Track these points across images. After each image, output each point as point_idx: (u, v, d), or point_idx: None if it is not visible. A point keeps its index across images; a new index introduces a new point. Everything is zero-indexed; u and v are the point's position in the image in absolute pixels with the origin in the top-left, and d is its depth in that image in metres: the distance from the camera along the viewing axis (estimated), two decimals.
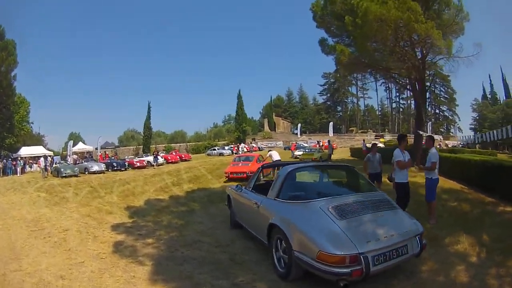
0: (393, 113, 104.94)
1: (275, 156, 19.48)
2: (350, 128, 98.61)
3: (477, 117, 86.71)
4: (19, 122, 58.24)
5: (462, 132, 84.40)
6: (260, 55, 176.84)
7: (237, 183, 9.23)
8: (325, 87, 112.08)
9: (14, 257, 7.07)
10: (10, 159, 38.55)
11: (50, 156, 44.61)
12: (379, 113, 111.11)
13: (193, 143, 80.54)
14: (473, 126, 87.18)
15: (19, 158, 40.01)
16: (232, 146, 60.31)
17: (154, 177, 23.75)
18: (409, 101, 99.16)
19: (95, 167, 30.05)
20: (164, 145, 78.63)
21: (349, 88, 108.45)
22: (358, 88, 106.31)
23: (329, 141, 34.07)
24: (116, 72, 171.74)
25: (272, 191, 6.41)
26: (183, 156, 45.45)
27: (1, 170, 35.01)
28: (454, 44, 20.29)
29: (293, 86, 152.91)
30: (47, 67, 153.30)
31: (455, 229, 7.56)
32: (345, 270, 4.32)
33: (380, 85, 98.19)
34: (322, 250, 4.47)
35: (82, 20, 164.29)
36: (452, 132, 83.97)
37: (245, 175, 19.04)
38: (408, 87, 25.82)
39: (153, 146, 71.25)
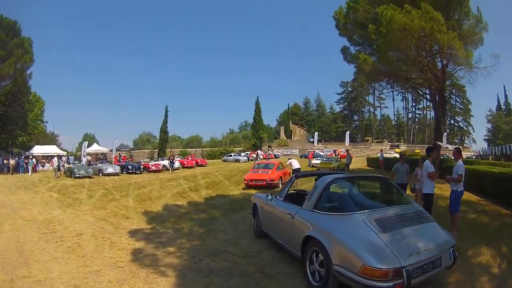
0: (409, 123, 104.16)
1: (295, 164, 19.41)
2: (366, 138, 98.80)
3: (491, 128, 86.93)
4: (33, 120, 58.15)
5: (476, 143, 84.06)
6: (278, 61, 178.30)
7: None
8: (343, 95, 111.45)
9: (23, 262, 6.49)
10: (22, 157, 38.38)
11: (63, 156, 44.89)
12: (395, 123, 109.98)
13: (209, 149, 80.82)
14: (487, 137, 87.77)
15: (31, 157, 39.80)
16: (248, 152, 59.83)
17: (170, 181, 23.16)
18: (425, 112, 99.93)
19: (110, 169, 29.61)
20: (179, 149, 77.74)
21: (367, 97, 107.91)
22: (375, 98, 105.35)
23: (347, 151, 33.79)
24: (134, 72, 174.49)
25: (309, 201, 6.15)
26: (199, 161, 45.09)
27: (13, 168, 35.02)
28: (474, 54, 20.20)
29: (310, 94, 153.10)
30: (63, 65, 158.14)
31: (477, 241, 7.62)
32: (388, 284, 4.24)
33: (397, 94, 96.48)
34: (366, 264, 4.33)
35: (102, 18, 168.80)
36: (466, 143, 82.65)
37: (264, 182, 18.73)
38: (427, 97, 26.08)
39: (169, 150, 70.40)
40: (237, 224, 10.69)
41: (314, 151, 53.73)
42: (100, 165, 31.93)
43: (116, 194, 17.39)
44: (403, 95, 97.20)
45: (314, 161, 36.51)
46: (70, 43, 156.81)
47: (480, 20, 20.72)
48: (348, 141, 75.44)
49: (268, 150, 56.02)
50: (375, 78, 27.76)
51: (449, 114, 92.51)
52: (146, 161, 41.98)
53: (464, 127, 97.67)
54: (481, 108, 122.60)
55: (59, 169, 29.81)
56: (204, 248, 7.87)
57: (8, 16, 39.25)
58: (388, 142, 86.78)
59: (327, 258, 4.93)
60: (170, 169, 33.03)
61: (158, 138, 77.82)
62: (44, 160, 42.52)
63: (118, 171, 30.00)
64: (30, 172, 33.59)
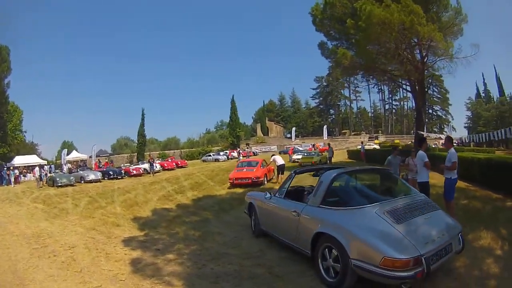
0: (386, 114, 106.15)
1: (279, 160, 19.67)
2: (343, 131, 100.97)
3: (471, 116, 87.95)
4: (12, 131, 57.19)
5: (455, 131, 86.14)
6: (252, 60, 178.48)
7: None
8: (318, 90, 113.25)
9: (18, 282, 6.12)
10: (5, 169, 37.42)
11: (44, 165, 43.77)
12: (372, 115, 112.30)
13: (187, 150, 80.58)
14: (467, 125, 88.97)
15: (11, 168, 38.88)
16: (227, 151, 60.08)
17: (153, 185, 22.88)
18: (402, 103, 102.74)
19: (91, 176, 29.08)
20: (158, 152, 78.15)
21: (342, 91, 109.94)
22: (351, 91, 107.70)
23: (329, 144, 34.01)
24: (108, 76, 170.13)
25: (315, 197, 6.05)
26: (179, 162, 44.74)
27: None
28: (454, 45, 21.06)
29: (285, 90, 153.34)
30: (37, 72, 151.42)
31: (474, 226, 7.81)
32: (409, 273, 4.35)
33: (373, 87, 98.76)
34: (386, 255, 4.40)
35: (73, 22, 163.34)
36: (445, 132, 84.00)
37: (250, 180, 18.63)
38: (408, 88, 26.98)
39: (147, 153, 71.06)
40: (232, 225, 10.60)
41: (294, 147, 54.77)
42: (81, 172, 31.44)
43: (101, 201, 16.91)
44: (379, 87, 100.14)
45: (295, 156, 36.56)
46: (40, 49, 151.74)
47: (460, 12, 21.41)
48: (326, 135, 79.27)
49: (247, 148, 55.90)
50: (353, 72, 28.35)
51: (427, 103, 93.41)
52: (126, 165, 41.48)
53: (443, 116, 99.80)
54: (458, 97, 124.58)
55: (41, 179, 29.21)
56: (205, 252, 7.68)
57: None
58: (366, 134, 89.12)
59: (343, 253, 4.93)
60: (151, 172, 32.59)
61: (136, 142, 77.00)
62: (25, 171, 41.69)
63: (99, 177, 29.53)
64: (12, 183, 32.58)
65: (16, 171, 37.97)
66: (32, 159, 47.15)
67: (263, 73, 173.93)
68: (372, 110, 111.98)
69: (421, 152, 9.03)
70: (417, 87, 23.83)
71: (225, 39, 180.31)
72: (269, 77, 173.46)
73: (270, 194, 7.85)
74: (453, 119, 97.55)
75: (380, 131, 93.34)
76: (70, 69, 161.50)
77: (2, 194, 24.00)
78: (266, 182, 19.48)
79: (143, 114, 72.61)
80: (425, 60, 22.23)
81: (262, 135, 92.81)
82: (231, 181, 19.49)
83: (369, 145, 51.63)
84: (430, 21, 19.57)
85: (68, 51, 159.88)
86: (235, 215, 11.80)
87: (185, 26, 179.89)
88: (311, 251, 5.70)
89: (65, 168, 39.93)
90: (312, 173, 8.95)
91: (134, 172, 33.13)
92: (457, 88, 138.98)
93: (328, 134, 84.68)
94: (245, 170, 20.29)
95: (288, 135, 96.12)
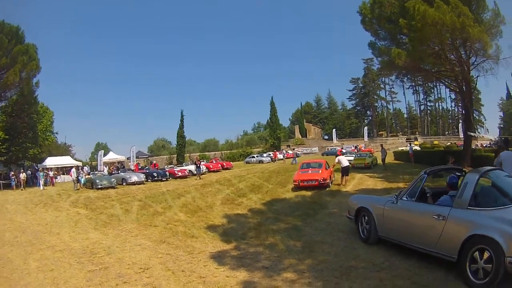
0: (421, 115, 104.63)
1: (344, 161, 19.12)
2: (380, 132, 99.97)
3: (503, 116, 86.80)
4: (42, 132, 57.03)
5: (489, 132, 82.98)
6: (287, 62, 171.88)
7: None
8: (354, 92, 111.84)
9: None
10: (38, 170, 36.52)
11: (83, 166, 43.43)
12: (406, 116, 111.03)
13: (228, 151, 79.65)
14: (501, 125, 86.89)
15: (41, 169, 37.79)
16: (270, 153, 58.33)
17: (206, 187, 21.47)
18: (437, 104, 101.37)
19: (134, 178, 27.93)
20: (198, 153, 76.42)
21: (378, 92, 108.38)
22: (387, 92, 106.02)
23: (381, 145, 33.25)
24: (143, 79, 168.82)
25: (461, 199, 5.80)
26: (224, 164, 43.75)
27: (24, 182, 32.91)
28: (493, 46, 21.91)
29: (320, 92, 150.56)
30: (70, 74, 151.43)
31: None
32: None
33: (408, 88, 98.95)
34: None
35: (108, 23, 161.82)
36: (479, 132, 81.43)
37: (317, 182, 17.54)
38: (454, 89, 28.39)
39: (187, 155, 70.86)
40: (329, 232, 9.34)
41: (342, 148, 53.79)
42: (122, 174, 30.61)
43: (155, 206, 15.40)
44: (414, 88, 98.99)
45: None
46: (76, 50, 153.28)
47: (498, 14, 22.09)
48: (367, 137, 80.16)
49: (288, 150, 53.78)
50: (403, 72, 30.37)
51: (460, 105, 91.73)
52: (170, 167, 40.52)
53: (476, 117, 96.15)
54: (489, 98, 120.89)
55: (78, 181, 27.97)
56: (326, 266, 6.46)
57: (10, 22, 37.00)
58: (403, 135, 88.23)
59: (498, 253, 4.78)
60: (197, 174, 30.81)
61: (175, 143, 76.38)
62: (55, 173, 40.95)
63: (143, 179, 28.36)
64: (41, 186, 31.23)
65: (51, 173, 37.19)
66: (65, 161, 46.71)
67: (297, 75, 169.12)
68: (407, 111, 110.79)
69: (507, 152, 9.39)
70: (464, 88, 24.33)
71: (256, 41, 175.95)
72: (304, 79, 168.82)
73: (396, 197, 7.29)
74: (485, 120, 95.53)
75: (417, 132, 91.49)
76: (104, 71, 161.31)
77: (34, 197, 22.93)
78: (330, 185, 18.59)
79: (182, 115, 71.79)
80: (471, 60, 22.89)
81: (300, 136, 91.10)
82: (296, 183, 18.22)
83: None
84: (476, 23, 20.23)
85: (103, 53, 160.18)
86: (324, 220, 10.73)
87: (225, 30, 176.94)
88: (458, 255, 5.48)
89: (105, 169, 38.84)
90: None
91: (179, 174, 31.96)
92: (487, 88, 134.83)
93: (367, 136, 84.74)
94: (310, 171, 19.06)
95: (326, 137, 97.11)
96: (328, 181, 17.84)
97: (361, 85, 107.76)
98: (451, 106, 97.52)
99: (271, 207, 13.83)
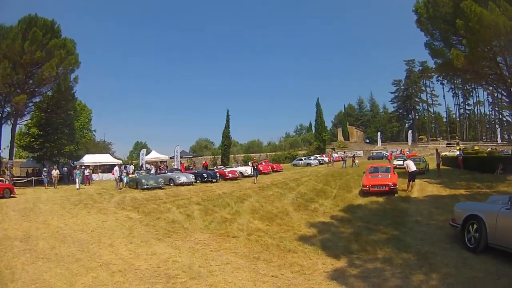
0: (460, 119, 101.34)
1: (412, 166, 18.73)
2: (420, 137, 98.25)
3: None
4: (80, 129, 57.68)
5: None
6: (328, 62, 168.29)
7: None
8: (396, 94, 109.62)
9: None
10: (75, 167, 36.13)
11: (126, 165, 42.94)
12: (445, 120, 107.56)
13: (273, 153, 78.91)
14: None
15: (78, 167, 36.59)
16: (317, 156, 57.75)
17: (264, 190, 20.64)
18: (475, 108, 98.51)
19: (183, 178, 27.32)
20: (242, 155, 77.11)
21: (420, 94, 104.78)
22: (428, 95, 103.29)
23: (436, 150, 31.99)
24: (182, 77, 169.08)
25: None
26: (274, 166, 43.48)
27: (56, 179, 31.67)
28: None
29: (362, 94, 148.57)
30: (111, 72, 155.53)
31: None
32: None
33: (448, 91, 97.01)
34: None
35: (149, 17, 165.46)
36: None
37: (387, 188, 17.26)
38: (502, 92, 28.50)
39: (232, 156, 70.95)
40: (430, 241, 8.83)
41: (392, 152, 53.02)
42: (170, 174, 29.99)
43: (220, 211, 14.26)
44: (454, 92, 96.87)
45: (396, 162, 34.93)
46: (121, 49, 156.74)
47: None
48: (411, 141, 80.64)
49: (333, 153, 52.14)
50: (455, 73, 29.21)
51: (497, 108, 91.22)
52: (220, 168, 40.04)
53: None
54: None
55: (121, 180, 26.98)
56: (455, 280, 6.01)
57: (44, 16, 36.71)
58: (443, 139, 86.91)
59: None
60: (255, 177, 28.14)
61: (219, 144, 75.43)
62: (91, 170, 40.17)
63: (192, 180, 27.55)
64: (77, 184, 29.13)
65: (87, 171, 36.24)
66: (104, 158, 46.46)
67: (339, 76, 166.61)
68: (447, 115, 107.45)
69: None
70: None
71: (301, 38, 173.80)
72: (346, 80, 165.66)
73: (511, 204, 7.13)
74: None
75: (456, 137, 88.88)
76: (144, 69, 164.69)
77: (71, 195, 21.63)
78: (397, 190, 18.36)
79: (228, 116, 71.62)
80: None
81: (343, 139, 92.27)
82: (366, 188, 17.75)
83: (452, 151, 50.69)
84: None
85: (147, 51, 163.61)
86: (416, 229, 10.17)
87: (271, 27, 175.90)
88: None
89: (152, 169, 38.52)
90: None
91: (230, 175, 31.39)
92: None
93: (406, 140, 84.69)
94: (380, 176, 18.66)
95: (367, 140, 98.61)
96: (397, 186, 17.56)
97: (403, 87, 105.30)
98: (489, 110, 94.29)
99: (353, 214, 13.12)
